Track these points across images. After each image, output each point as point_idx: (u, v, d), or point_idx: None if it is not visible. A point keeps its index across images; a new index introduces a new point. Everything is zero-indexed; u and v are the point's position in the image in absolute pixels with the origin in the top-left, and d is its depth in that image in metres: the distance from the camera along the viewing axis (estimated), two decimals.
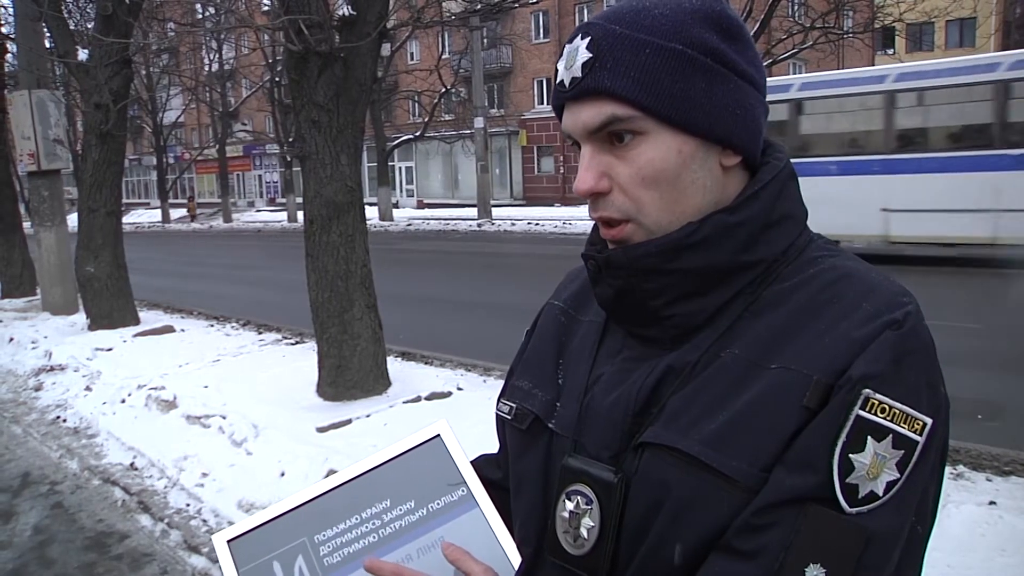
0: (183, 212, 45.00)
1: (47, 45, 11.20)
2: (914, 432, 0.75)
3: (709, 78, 0.83)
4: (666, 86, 0.81)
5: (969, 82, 11.83)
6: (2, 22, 13.57)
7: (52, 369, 7.68)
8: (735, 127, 0.85)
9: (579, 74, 0.84)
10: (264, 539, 0.98)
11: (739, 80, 0.85)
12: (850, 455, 0.74)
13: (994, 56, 12.62)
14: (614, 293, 0.90)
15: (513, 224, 25.04)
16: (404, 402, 5.61)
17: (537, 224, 24.74)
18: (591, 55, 0.83)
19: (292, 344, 8.12)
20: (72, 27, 11.50)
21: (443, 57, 28.89)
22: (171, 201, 43.98)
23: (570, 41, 0.87)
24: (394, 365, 6.38)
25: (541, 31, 37.90)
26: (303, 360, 6.83)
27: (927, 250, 12.44)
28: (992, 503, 3.70)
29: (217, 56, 39.62)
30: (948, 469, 3.61)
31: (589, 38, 0.84)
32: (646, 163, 0.84)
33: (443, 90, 27.32)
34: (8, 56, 14.05)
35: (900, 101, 12.52)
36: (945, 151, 12.12)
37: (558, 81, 0.88)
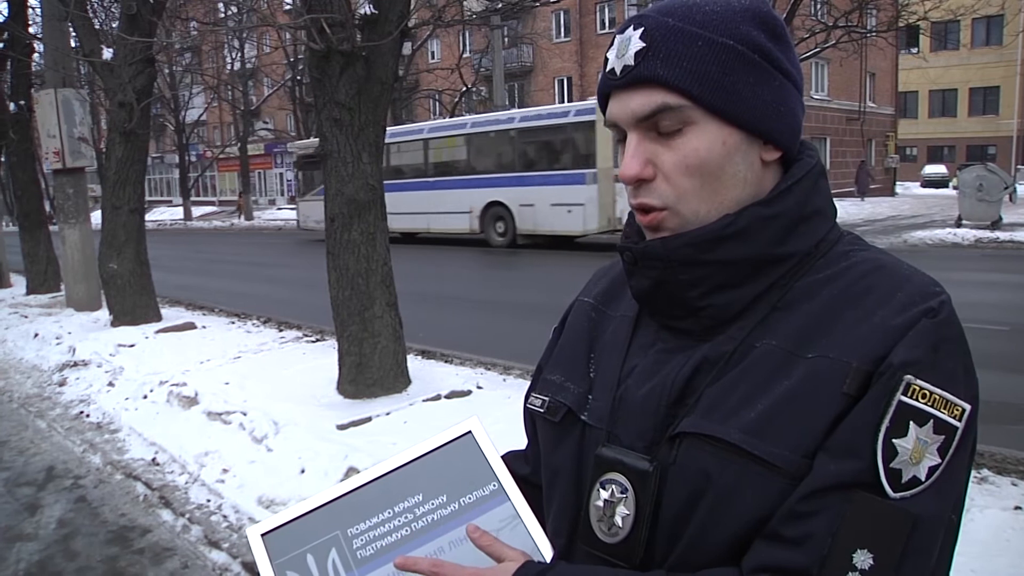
0: (206, 210, 45.33)
1: (73, 44, 11.32)
2: (953, 417, 0.77)
3: (756, 74, 0.85)
4: (716, 78, 0.84)
5: (450, 134, 19.72)
6: (29, 22, 13.71)
7: (76, 364, 7.76)
8: (778, 123, 0.87)
9: (631, 62, 0.86)
10: (298, 533, 0.99)
11: (783, 78, 0.87)
12: (893, 440, 0.76)
13: (464, 119, 21.20)
14: (650, 284, 0.91)
15: None
16: (424, 400, 5.62)
17: None
18: (644, 44, 0.85)
19: (312, 342, 8.15)
20: (97, 26, 11.62)
21: (464, 56, 28.90)
22: (193, 199, 44.32)
23: (621, 31, 0.89)
24: (414, 363, 6.39)
25: (562, 30, 37.84)
26: (323, 358, 6.86)
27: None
28: (1018, 508, 3.65)
29: (239, 55, 39.96)
30: (972, 473, 3.57)
31: (642, 28, 0.86)
32: (691, 152, 0.86)
33: (464, 89, 27.34)
34: (35, 55, 14.24)
35: (431, 145, 20.13)
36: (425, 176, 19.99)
37: (608, 69, 0.89)
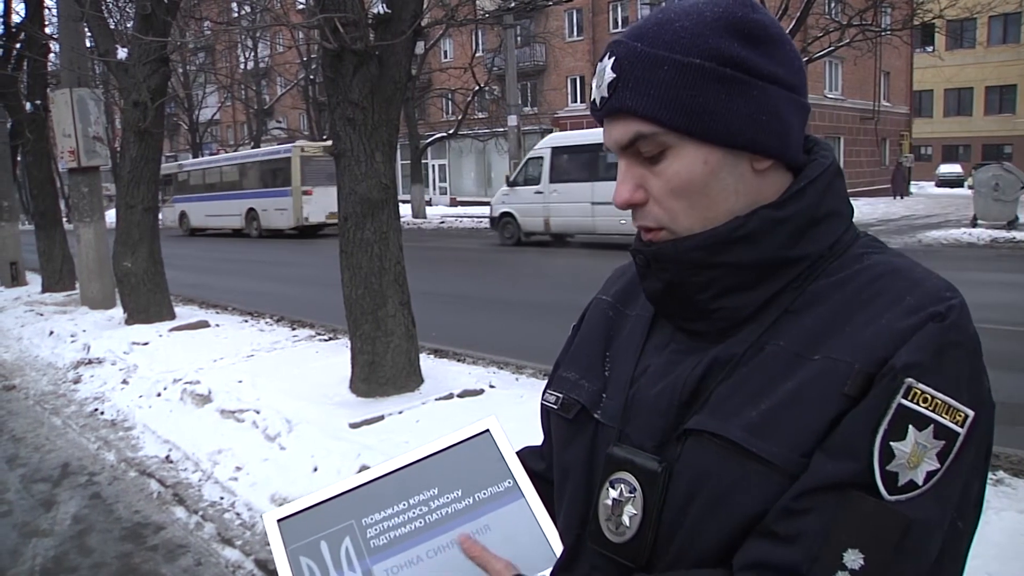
0: None
1: (88, 44, 11.39)
2: (955, 423, 0.76)
3: (729, 88, 0.84)
4: (684, 101, 0.84)
5: (230, 164, 30.17)
6: (45, 23, 13.81)
7: (90, 362, 7.82)
8: (758, 134, 0.86)
9: (606, 94, 0.88)
10: (313, 520, 1.01)
11: (764, 84, 0.85)
12: (891, 443, 0.75)
13: (238, 154, 33.00)
14: (662, 287, 0.92)
15: None
16: (436, 399, 5.62)
17: None
18: (615, 75, 0.87)
19: (325, 340, 8.17)
20: (112, 26, 11.68)
21: (477, 55, 28.91)
22: None
23: (601, 59, 0.91)
24: (427, 362, 6.40)
25: (575, 29, 37.81)
26: (336, 356, 6.88)
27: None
28: None
29: (252, 54, 40.10)
30: (988, 475, 3.51)
31: (614, 58, 0.88)
32: (673, 175, 0.87)
33: (476, 88, 27.39)
34: (51, 56, 14.34)
35: (194, 174, 31.02)
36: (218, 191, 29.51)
37: (591, 100, 0.92)
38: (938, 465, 0.75)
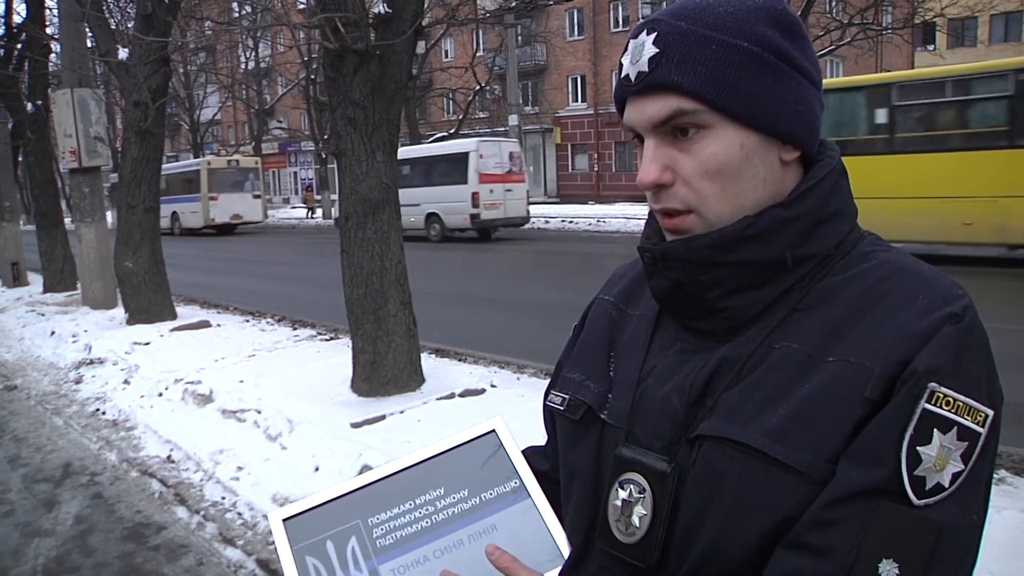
0: None
1: (89, 44, 11.41)
2: (977, 423, 0.76)
3: (773, 75, 0.84)
4: (732, 81, 0.83)
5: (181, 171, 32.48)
6: (47, 23, 13.82)
7: (92, 362, 7.82)
8: (796, 122, 0.86)
9: (646, 68, 0.85)
10: (319, 520, 1.01)
11: (799, 77, 0.86)
12: (917, 448, 0.75)
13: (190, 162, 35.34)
14: (670, 285, 0.91)
15: (547, 222, 25.02)
16: (438, 399, 5.62)
17: (571, 222, 24.70)
18: (658, 50, 0.85)
19: (327, 340, 8.17)
20: (113, 26, 11.70)
21: (477, 55, 28.97)
22: None
23: (635, 36, 0.88)
24: (428, 362, 6.40)
25: (576, 28, 37.79)
26: (337, 356, 6.88)
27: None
28: None
29: (253, 54, 40.11)
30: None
31: (656, 33, 0.85)
32: (709, 156, 0.85)
33: (477, 88, 27.42)
34: (52, 56, 14.34)
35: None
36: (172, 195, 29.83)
37: (623, 75, 0.89)
38: (963, 466, 0.76)
